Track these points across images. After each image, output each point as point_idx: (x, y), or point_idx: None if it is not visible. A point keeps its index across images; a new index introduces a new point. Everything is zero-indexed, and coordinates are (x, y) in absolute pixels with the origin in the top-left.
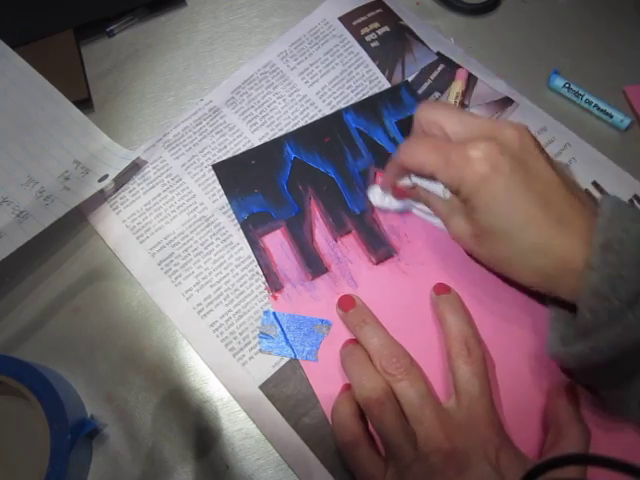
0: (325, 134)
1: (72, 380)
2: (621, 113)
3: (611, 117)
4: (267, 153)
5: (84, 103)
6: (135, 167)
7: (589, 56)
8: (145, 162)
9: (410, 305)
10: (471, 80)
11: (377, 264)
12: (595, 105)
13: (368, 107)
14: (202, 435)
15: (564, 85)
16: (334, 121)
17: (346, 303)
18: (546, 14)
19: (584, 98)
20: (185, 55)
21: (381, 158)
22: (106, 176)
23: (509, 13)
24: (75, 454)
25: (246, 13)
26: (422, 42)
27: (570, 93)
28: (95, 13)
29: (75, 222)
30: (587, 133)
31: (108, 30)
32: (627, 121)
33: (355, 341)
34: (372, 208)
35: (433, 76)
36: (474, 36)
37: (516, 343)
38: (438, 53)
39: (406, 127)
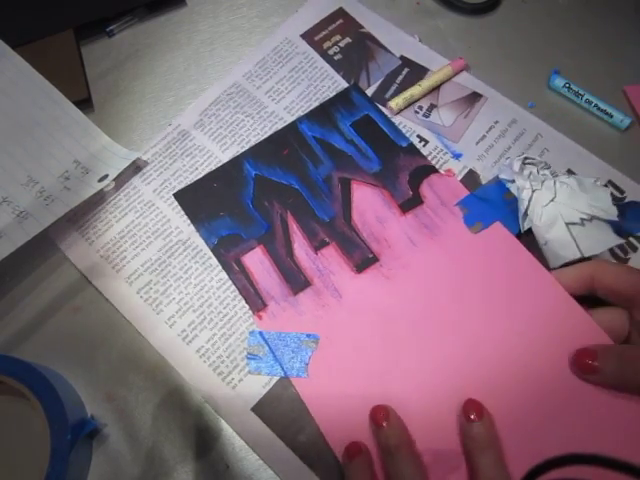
0: (283, 146)
1: (72, 380)
2: (621, 113)
3: (611, 117)
4: (227, 174)
5: (84, 103)
6: (107, 194)
7: (589, 56)
8: (146, 163)
9: (395, 309)
10: None
11: (359, 272)
12: (595, 105)
13: (321, 114)
14: (202, 435)
15: (564, 85)
16: (290, 132)
17: (378, 415)
18: (546, 14)
19: (584, 98)
20: (185, 55)
21: (342, 162)
22: (106, 176)
23: (509, 13)
24: (75, 454)
25: (246, 13)
26: (385, 48)
27: (570, 93)
28: (95, 13)
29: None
30: (587, 133)
31: (108, 30)
32: (627, 121)
33: (361, 447)
34: (342, 214)
35: (399, 80)
36: (474, 36)
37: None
38: (402, 57)
39: (362, 128)
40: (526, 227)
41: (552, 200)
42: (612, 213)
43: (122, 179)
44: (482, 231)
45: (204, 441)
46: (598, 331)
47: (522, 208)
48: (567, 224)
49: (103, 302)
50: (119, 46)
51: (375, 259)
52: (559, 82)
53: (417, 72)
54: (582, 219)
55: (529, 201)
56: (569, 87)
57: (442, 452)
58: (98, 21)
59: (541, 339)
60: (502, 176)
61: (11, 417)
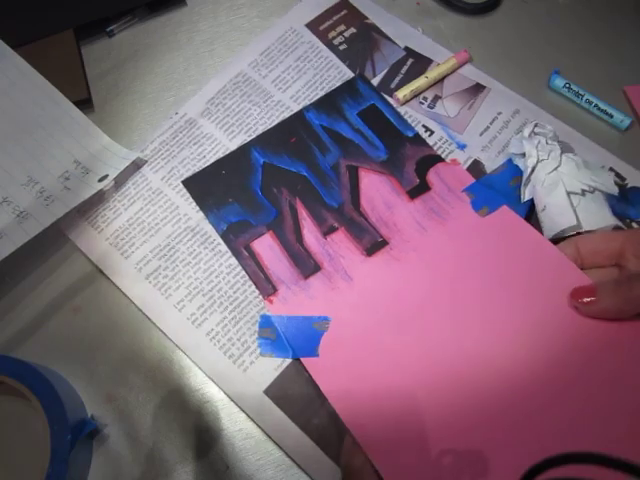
0: (290, 135)
1: (72, 380)
2: (621, 113)
3: (611, 117)
4: (236, 161)
5: (84, 103)
6: (107, 193)
7: (589, 56)
8: (145, 161)
9: (407, 290)
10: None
11: (370, 256)
12: (595, 105)
13: (328, 103)
14: (202, 435)
15: (564, 85)
16: (297, 121)
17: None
18: (546, 14)
19: (584, 98)
20: (185, 55)
21: (349, 150)
22: (106, 176)
23: (509, 13)
24: (75, 454)
25: (246, 13)
26: (389, 39)
27: (570, 93)
28: (95, 13)
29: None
30: (587, 133)
31: (108, 30)
32: (627, 121)
33: None
34: (350, 200)
35: (403, 70)
36: (474, 36)
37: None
38: (406, 48)
39: (368, 117)
40: (527, 197)
41: (555, 169)
42: (613, 190)
43: (122, 178)
44: (490, 214)
45: (204, 441)
46: None
47: (525, 176)
48: (568, 192)
49: (103, 302)
50: (119, 46)
51: (385, 242)
52: (559, 82)
53: (421, 63)
54: (583, 190)
55: (533, 169)
56: (569, 87)
57: (456, 440)
58: (98, 21)
59: (557, 315)
60: (512, 150)
61: (11, 417)
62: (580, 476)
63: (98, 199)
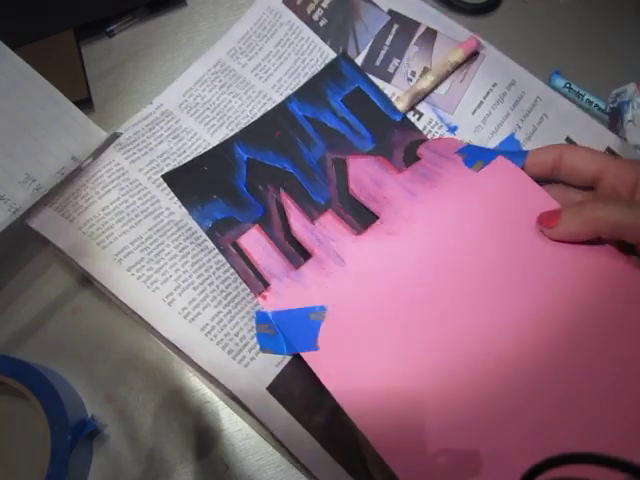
0: (274, 128)
1: (72, 380)
2: None
3: None
4: (218, 157)
5: (84, 103)
6: (85, 171)
7: (589, 56)
8: (120, 133)
9: (403, 265)
10: (429, 35)
11: (360, 234)
12: (596, 105)
13: (310, 91)
14: (203, 435)
15: (565, 85)
16: (280, 113)
17: None
18: (547, 14)
19: (585, 98)
20: (185, 55)
21: (334, 141)
22: (90, 157)
23: (509, 13)
24: (75, 455)
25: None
26: (370, 1)
27: (571, 93)
28: (95, 13)
29: None
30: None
31: (108, 30)
32: None
33: None
34: (337, 196)
35: (388, 41)
36: None
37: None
38: (390, 11)
39: (353, 103)
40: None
41: None
42: None
43: (98, 153)
44: (484, 168)
45: (204, 441)
46: (627, 260)
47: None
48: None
49: (103, 302)
50: (119, 46)
51: (374, 217)
52: (560, 82)
53: (408, 29)
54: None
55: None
56: (570, 87)
57: (470, 431)
58: (98, 21)
59: (561, 268)
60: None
61: (11, 417)
62: (580, 476)
63: (66, 185)
